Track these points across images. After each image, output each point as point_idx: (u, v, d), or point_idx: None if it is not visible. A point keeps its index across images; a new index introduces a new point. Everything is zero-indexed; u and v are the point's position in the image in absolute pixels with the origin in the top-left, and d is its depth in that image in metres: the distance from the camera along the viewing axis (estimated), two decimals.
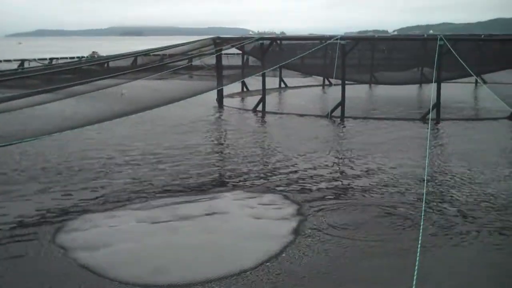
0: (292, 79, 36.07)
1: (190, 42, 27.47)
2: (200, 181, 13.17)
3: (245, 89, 32.31)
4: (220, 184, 13.14)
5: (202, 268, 8.31)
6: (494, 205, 11.22)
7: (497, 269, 8.34)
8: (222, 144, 18.37)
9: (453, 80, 29.75)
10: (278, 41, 31.33)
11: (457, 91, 30.94)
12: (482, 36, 33.40)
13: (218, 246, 9.32)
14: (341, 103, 23.14)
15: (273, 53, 28.99)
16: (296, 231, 9.79)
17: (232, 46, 29.33)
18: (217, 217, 10.67)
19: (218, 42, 26.75)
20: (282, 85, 35.58)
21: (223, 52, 27.89)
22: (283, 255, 8.77)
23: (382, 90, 31.92)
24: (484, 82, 33.22)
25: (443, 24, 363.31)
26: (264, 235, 9.77)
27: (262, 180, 13.28)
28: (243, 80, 31.53)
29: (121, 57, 26.45)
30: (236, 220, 10.62)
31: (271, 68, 27.07)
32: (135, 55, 26.77)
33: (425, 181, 11.86)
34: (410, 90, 31.36)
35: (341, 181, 13.32)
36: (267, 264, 8.44)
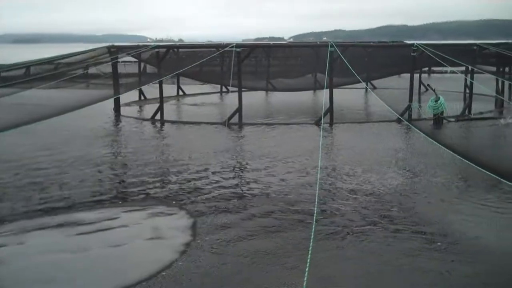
0: (190, 87, 36.12)
1: (86, 51, 26.92)
2: (92, 196, 12.96)
3: (142, 98, 32.05)
4: (113, 198, 12.93)
5: None
6: (381, 201, 11.91)
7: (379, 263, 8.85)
8: (117, 155, 18.09)
9: (348, 86, 30.92)
10: (175, 49, 31.30)
11: (351, 96, 32.20)
12: (371, 43, 34.88)
13: (106, 263, 9.16)
14: (238, 110, 23.48)
15: (170, 61, 28.93)
16: (191, 240, 9.96)
17: (128, 55, 29.05)
18: (106, 233, 10.46)
19: (113, 51, 26.39)
20: (180, 92, 35.60)
21: (119, 60, 27.57)
22: (180, 263, 8.89)
23: (279, 97, 32.58)
24: (374, 87, 34.80)
25: (336, 31, 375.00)
26: (156, 248, 9.74)
27: (157, 192, 13.27)
28: (141, 88, 31.26)
29: (14, 67, 25.52)
30: (125, 235, 10.41)
31: (168, 76, 26.95)
32: (29, 64, 25.93)
33: (318, 183, 12.28)
34: (306, 95, 32.25)
35: (236, 188, 13.56)
36: (163, 274, 8.52)
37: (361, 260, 8.92)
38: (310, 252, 7.88)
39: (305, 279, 7.07)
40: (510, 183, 11.56)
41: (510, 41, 31.67)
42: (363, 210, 11.47)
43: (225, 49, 24.93)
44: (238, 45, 24.73)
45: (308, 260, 7.62)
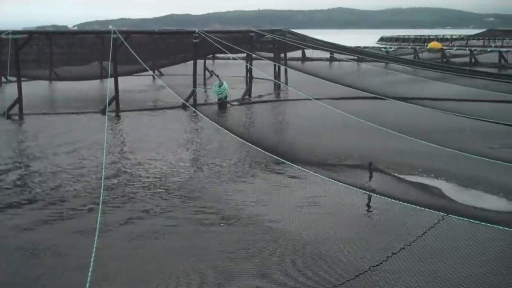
0: None
1: None
2: None
3: None
4: None
5: None
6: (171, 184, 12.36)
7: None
8: None
9: (137, 74, 30.75)
10: None
11: (140, 83, 32.17)
12: (156, 30, 35.20)
13: None
14: (19, 101, 22.32)
15: None
16: None
17: None
18: None
19: None
20: None
21: None
22: None
23: (65, 85, 31.42)
24: (161, 74, 35.31)
25: (122, 19, 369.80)
26: None
27: None
28: None
29: None
30: None
31: None
32: None
33: (103, 176, 12.09)
34: (94, 84, 31.52)
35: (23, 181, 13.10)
36: None
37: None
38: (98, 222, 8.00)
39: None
40: (288, 162, 12.45)
41: (283, 28, 33.86)
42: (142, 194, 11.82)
43: (1, 36, 23.40)
44: (15, 32, 23.41)
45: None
